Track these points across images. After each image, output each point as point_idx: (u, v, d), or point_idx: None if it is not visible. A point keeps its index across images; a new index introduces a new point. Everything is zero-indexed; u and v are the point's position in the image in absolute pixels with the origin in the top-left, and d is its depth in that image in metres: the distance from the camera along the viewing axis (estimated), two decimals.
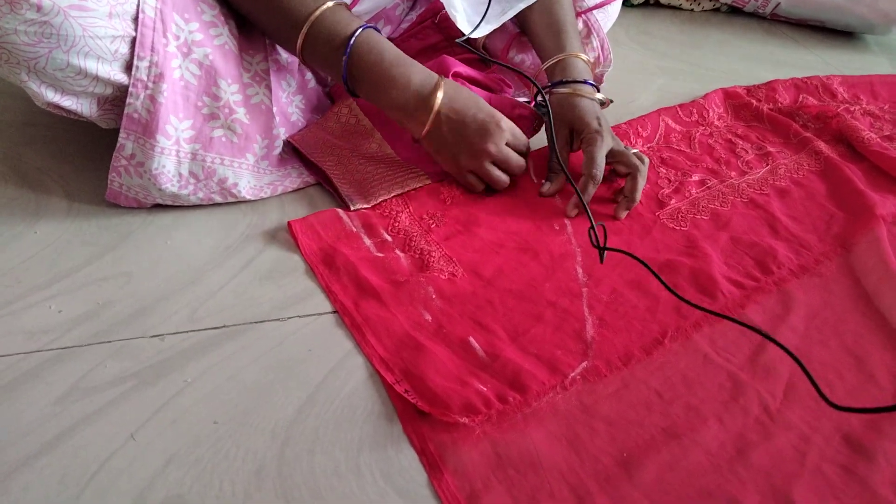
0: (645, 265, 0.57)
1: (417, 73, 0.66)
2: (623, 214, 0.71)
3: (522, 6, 0.78)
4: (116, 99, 0.61)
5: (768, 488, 0.47)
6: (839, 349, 0.58)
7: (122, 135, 0.61)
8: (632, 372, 0.54)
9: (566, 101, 0.74)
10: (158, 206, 0.67)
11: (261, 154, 0.68)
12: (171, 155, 0.62)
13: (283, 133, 0.71)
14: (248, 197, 0.68)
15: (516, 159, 0.70)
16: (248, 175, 0.67)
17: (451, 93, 0.66)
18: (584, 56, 0.77)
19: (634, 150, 0.74)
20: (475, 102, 0.67)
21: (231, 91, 0.64)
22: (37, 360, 0.52)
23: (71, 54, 0.55)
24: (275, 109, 0.68)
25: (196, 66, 0.61)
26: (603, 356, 0.55)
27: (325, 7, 0.63)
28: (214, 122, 0.63)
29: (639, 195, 0.71)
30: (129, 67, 0.59)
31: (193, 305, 0.57)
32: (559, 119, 0.74)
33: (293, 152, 0.73)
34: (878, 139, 0.83)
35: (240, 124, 0.65)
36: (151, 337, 0.54)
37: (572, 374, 0.53)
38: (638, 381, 0.54)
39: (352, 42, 0.63)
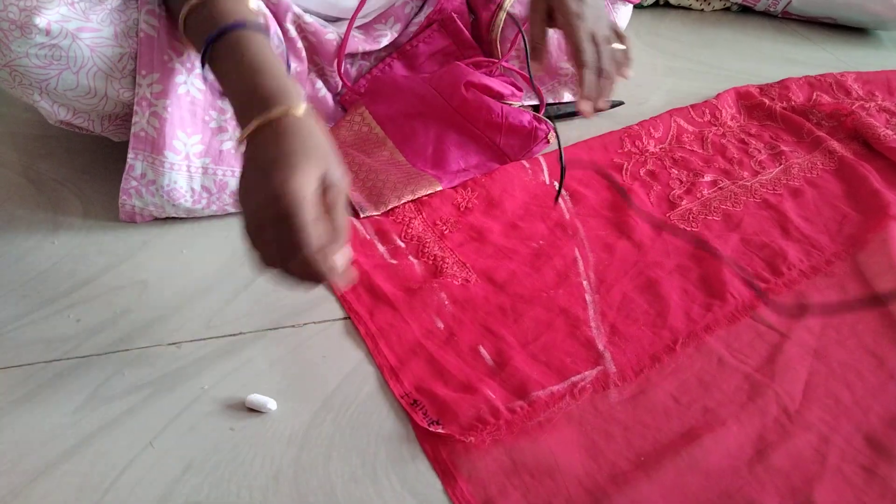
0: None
1: (268, 83, 0.50)
2: (585, 107, 0.67)
3: None
4: (127, 115, 0.62)
5: (788, 490, 0.46)
6: (858, 349, 0.57)
7: (130, 155, 0.62)
8: (647, 377, 0.54)
9: None
10: (173, 216, 0.67)
11: None
12: (182, 171, 0.63)
13: None
14: None
15: (282, 253, 0.46)
16: None
17: (292, 123, 0.48)
18: None
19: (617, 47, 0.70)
20: (304, 148, 0.47)
21: None
22: (56, 369, 0.52)
23: (80, 74, 0.56)
24: None
25: (200, 80, 0.62)
26: (615, 365, 0.55)
27: None
28: (223, 135, 0.64)
29: (589, 90, 0.67)
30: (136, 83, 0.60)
31: (209, 313, 0.58)
32: None
33: None
34: (895, 135, 0.82)
35: None
36: (168, 345, 0.55)
37: (582, 383, 0.53)
38: (653, 386, 0.53)
39: (213, 39, 0.51)
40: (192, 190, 0.64)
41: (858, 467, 0.48)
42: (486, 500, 0.45)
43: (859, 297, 0.62)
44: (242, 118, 0.51)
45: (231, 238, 0.66)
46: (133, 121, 0.61)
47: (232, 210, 0.67)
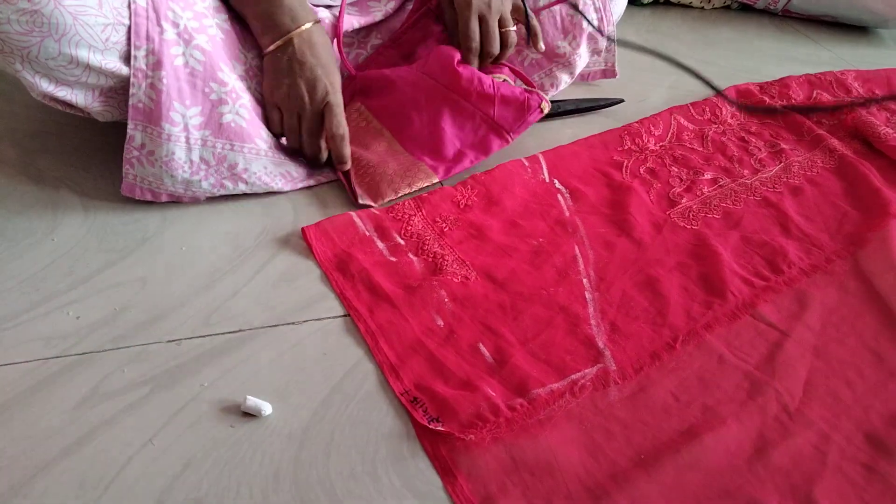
0: None
1: (289, 1, 0.66)
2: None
3: None
4: (112, 90, 0.62)
5: (788, 488, 0.46)
6: (858, 346, 0.57)
7: (130, 125, 0.62)
8: (647, 375, 0.54)
9: None
10: (174, 212, 0.67)
11: (273, 142, 0.68)
12: (181, 142, 0.63)
13: None
14: (258, 183, 0.68)
15: (317, 136, 0.69)
16: (261, 161, 0.67)
17: (315, 34, 0.67)
18: None
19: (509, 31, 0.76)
20: (329, 60, 0.68)
21: (234, 77, 0.65)
22: (55, 366, 0.52)
23: (62, 43, 0.56)
24: None
25: (199, 52, 0.62)
26: (615, 363, 0.55)
27: None
28: (224, 108, 0.64)
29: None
30: (123, 57, 0.60)
31: (209, 310, 0.58)
32: None
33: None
34: (895, 134, 0.82)
35: (247, 109, 0.65)
36: (168, 342, 0.55)
37: (582, 381, 0.53)
38: (653, 384, 0.53)
39: None
40: (191, 161, 0.64)
41: (859, 465, 0.48)
42: (486, 497, 0.45)
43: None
44: (269, 31, 0.66)
45: (231, 235, 0.66)
46: (130, 92, 0.61)
47: (229, 185, 0.67)
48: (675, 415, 0.51)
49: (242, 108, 0.65)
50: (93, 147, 0.75)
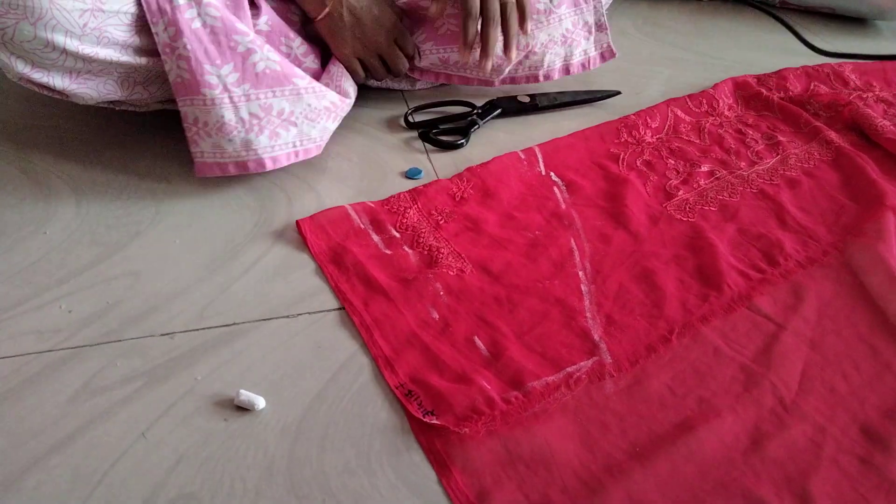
0: None
1: None
2: (484, 64, 0.77)
3: None
4: (88, 72, 0.62)
5: (784, 480, 0.46)
6: (854, 339, 0.57)
7: (179, 103, 0.64)
8: (642, 368, 0.54)
9: None
10: (167, 206, 0.67)
11: (309, 77, 0.69)
12: (226, 104, 0.63)
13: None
14: (306, 123, 0.68)
15: (401, 58, 0.79)
16: (303, 100, 0.67)
17: None
18: None
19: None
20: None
21: (251, 28, 0.65)
22: (48, 360, 0.52)
23: (38, 26, 0.56)
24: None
25: (213, 9, 0.62)
26: (611, 355, 0.54)
27: None
28: (254, 57, 0.64)
29: (492, 47, 0.76)
30: (100, 42, 0.59)
31: (202, 303, 0.57)
32: None
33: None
34: (893, 126, 0.82)
35: (274, 53, 0.66)
36: (161, 335, 0.54)
37: (577, 374, 0.53)
38: (649, 376, 0.53)
39: None
40: (242, 120, 0.64)
41: (854, 457, 0.48)
42: (481, 490, 0.45)
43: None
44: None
45: (225, 228, 0.66)
46: (166, 69, 0.62)
47: (283, 133, 0.67)
48: (671, 407, 0.51)
49: (270, 52, 0.65)
50: (86, 140, 0.75)
